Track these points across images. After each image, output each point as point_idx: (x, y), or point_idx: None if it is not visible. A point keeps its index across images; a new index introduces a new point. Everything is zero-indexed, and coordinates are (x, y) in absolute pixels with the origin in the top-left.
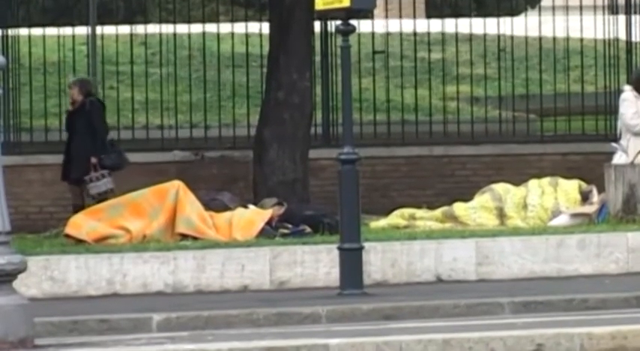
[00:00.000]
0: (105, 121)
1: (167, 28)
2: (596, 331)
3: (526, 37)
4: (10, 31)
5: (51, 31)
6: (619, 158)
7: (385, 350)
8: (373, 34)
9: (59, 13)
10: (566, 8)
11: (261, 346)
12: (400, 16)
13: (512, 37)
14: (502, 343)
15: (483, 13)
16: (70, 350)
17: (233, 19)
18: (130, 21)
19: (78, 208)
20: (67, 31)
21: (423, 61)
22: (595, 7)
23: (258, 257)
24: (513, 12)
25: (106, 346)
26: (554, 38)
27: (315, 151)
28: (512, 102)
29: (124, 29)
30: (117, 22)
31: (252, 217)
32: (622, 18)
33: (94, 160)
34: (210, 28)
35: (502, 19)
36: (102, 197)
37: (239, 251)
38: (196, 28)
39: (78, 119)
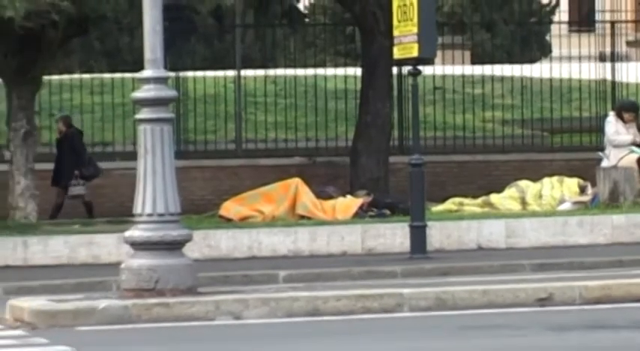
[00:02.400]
0: (83, 144)
1: (290, 71)
2: (590, 284)
3: (541, 78)
4: (181, 73)
5: (209, 73)
6: (605, 163)
7: (442, 297)
8: (434, 75)
9: (214, 61)
10: (569, 58)
11: (355, 293)
12: (453, 63)
13: (531, 78)
14: (524, 292)
15: (511, 61)
16: (223, 296)
17: (336, 65)
18: (265, 66)
19: (59, 205)
20: (220, 73)
21: (468, 95)
22: (589, 57)
23: (353, 231)
24: (532, 60)
25: (248, 293)
26: (561, 79)
27: (393, 158)
28: (531, 123)
29: (260, 72)
30: (255, 67)
31: (349, 204)
32: (609, 65)
33: (77, 172)
34: (320, 71)
35: (524, 66)
36: (74, 198)
37: (340, 227)
38: (310, 71)
39: (64, 143)
